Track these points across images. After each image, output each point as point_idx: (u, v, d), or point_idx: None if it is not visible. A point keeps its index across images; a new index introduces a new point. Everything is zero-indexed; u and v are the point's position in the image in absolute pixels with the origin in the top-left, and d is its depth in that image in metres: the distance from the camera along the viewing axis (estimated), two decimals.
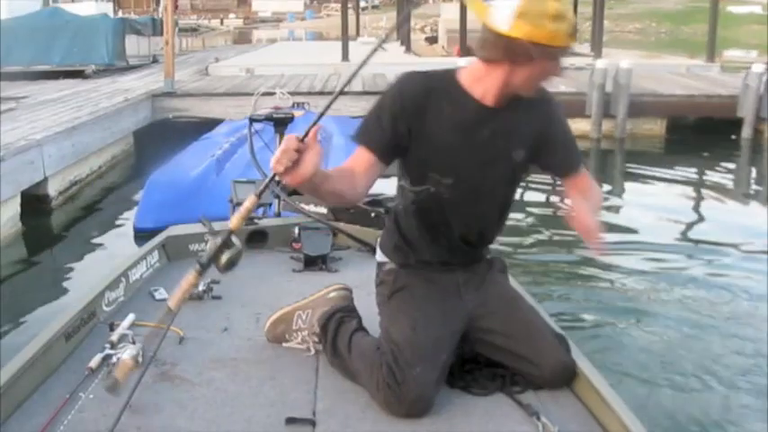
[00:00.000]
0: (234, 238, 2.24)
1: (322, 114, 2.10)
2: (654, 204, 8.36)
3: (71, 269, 6.37)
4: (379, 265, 2.73)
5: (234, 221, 2.25)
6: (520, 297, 2.77)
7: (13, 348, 3.10)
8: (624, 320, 4.92)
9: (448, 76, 2.44)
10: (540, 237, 7.02)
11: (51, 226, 7.81)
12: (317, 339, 2.76)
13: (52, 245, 7.33)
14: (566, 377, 2.53)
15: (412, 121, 2.37)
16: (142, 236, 6.57)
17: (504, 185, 2.55)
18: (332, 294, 2.82)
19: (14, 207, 7.17)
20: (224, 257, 2.23)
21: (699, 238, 7.21)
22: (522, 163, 2.51)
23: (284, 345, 2.84)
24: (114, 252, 6.47)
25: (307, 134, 2.06)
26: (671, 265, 6.14)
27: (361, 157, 2.38)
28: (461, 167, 2.45)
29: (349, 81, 2.35)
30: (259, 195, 2.19)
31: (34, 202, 7.64)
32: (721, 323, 4.89)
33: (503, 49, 2.24)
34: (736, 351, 4.49)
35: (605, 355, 4.31)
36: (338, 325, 2.69)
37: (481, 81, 2.37)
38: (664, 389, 4.06)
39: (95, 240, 7.14)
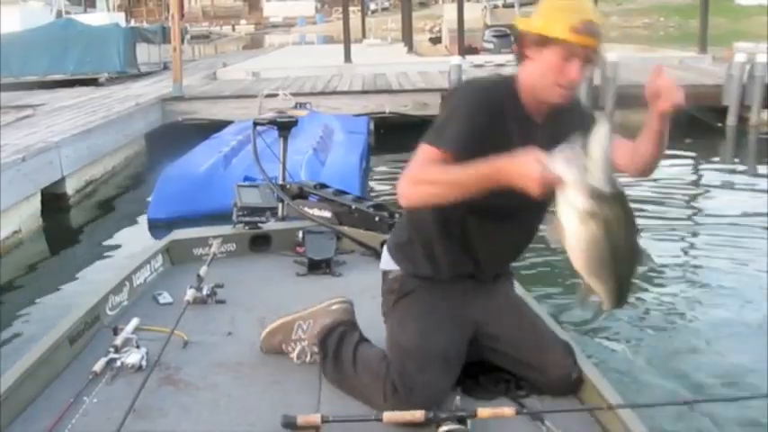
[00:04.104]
0: None
1: None
2: (641, 195, 8.08)
3: (88, 262, 6.77)
4: (386, 273, 2.66)
5: None
6: (525, 304, 2.75)
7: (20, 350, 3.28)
8: (627, 321, 4.81)
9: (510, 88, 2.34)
10: (544, 242, 6.94)
11: (70, 221, 8.31)
12: (317, 350, 2.68)
13: (71, 238, 7.80)
14: (571, 386, 2.52)
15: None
16: (155, 226, 7.06)
17: (539, 206, 2.21)
18: (334, 307, 2.73)
19: (35, 204, 7.65)
20: None
21: (691, 226, 7.36)
22: None
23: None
24: (129, 245, 6.93)
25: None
26: (666, 260, 6.00)
27: None
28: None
29: None
30: None
31: (54, 200, 8.11)
32: (720, 320, 4.81)
33: (517, 43, 2.28)
34: (744, 352, 4.35)
35: (609, 359, 4.27)
36: (340, 339, 2.62)
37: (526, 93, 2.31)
38: (669, 394, 3.89)
39: (111, 234, 7.63)
